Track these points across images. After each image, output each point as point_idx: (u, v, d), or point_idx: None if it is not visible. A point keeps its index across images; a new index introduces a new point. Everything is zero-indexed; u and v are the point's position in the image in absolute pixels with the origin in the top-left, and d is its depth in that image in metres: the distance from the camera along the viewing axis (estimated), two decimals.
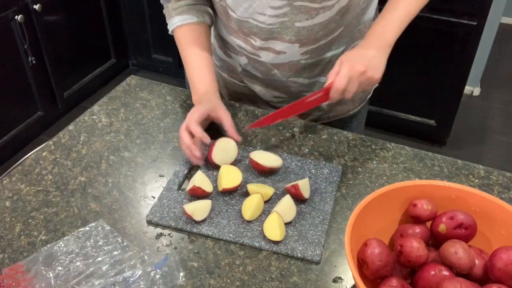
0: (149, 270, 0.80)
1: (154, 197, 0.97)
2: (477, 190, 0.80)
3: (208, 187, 0.94)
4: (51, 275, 0.80)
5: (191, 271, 0.83)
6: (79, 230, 0.89)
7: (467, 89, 3.05)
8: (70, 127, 1.15)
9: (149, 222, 0.92)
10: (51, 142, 1.10)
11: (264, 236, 0.88)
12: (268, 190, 0.95)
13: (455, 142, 2.72)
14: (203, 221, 0.91)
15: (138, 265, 0.82)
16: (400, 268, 0.77)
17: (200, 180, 0.94)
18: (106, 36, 3.00)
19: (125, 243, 0.86)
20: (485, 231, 0.80)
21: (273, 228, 0.87)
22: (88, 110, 1.21)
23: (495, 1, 2.31)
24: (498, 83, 3.22)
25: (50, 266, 0.82)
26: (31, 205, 0.95)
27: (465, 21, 2.24)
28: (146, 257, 0.83)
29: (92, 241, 0.86)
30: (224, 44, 1.21)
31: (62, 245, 0.86)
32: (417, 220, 0.80)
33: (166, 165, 1.05)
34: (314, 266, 0.84)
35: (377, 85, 1.09)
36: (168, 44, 3.01)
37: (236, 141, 1.03)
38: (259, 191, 0.93)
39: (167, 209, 0.93)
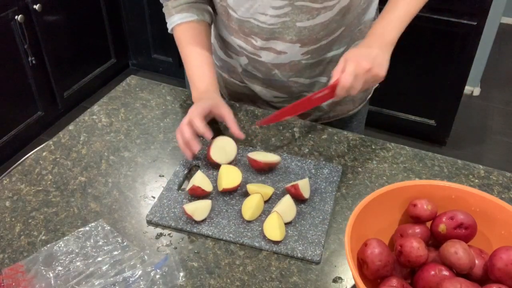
0: (149, 270, 0.80)
1: (154, 197, 0.97)
2: (477, 190, 0.80)
3: (207, 186, 0.94)
4: (51, 275, 0.80)
5: (191, 271, 0.83)
6: (79, 230, 0.89)
7: (467, 89, 3.05)
8: (70, 127, 1.16)
9: (149, 222, 0.92)
10: (51, 142, 1.10)
11: (264, 236, 0.88)
12: (268, 190, 0.95)
13: (455, 142, 2.72)
14: (203, 221, 0.91)
15: (138, 265, 0.82)
16: (400, 268, 0.77)
17: (200, 179, 0.94)
18: (106, 36, 3.00)
19: (125, 243, 0.86)
20: (485, 231, 0.80)
21: (273, 228, 0.87)
22: (88, 110, 1.21)
23: (495, 1, 2.31)
24: (498, 83, 3.22)
25: (50, 266, 0.82)
26: (31, 205, 0.95)
27: (465, 21, 2.24)
28: (146, 257, 0.83)
29: (92, 241, 0.86)
30: (224, 44, 1.21)
31: (62, 245, 0.86)
32: (417, 220, 0.80)
33: (166, 165, 1.05)
34: (314, 266, 0.84)
35: (377, 85, 1.09)
36: (168, 44, 3.02)
37: (239, 139, 1.03)
38: (259, 191, 0.93)
39: (167, 209, 0.93)
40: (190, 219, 0.90)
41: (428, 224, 0.81)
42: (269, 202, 0.95)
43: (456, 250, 0.71)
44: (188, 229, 0.89)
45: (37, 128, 2.64)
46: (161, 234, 0.89)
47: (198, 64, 1.12)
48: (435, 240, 0.80)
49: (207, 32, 1.14)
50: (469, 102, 3.03)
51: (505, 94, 3.13)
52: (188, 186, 0.95)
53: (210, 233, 0.89)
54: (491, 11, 2.25)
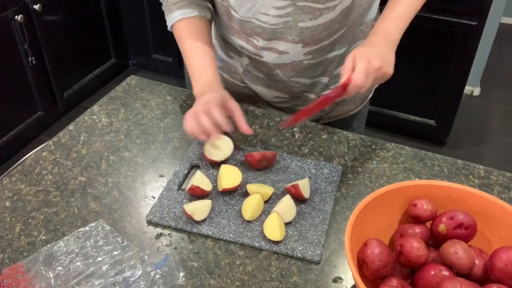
0: (149, 270, 0.80)
1: (154, 197, 0.97)
2: (477, 190, 0.80)
3: (207, 186, 0.94)
4: (51, 275, 0.80)
5: (191, 271, 0.83)
6: (79, 230, 0.89)
7: (467, 89, 3.05)
8: (70, 127, 1.15)
9: (149, 222, 0.91)
10: (51, 142, 1.10)
11: (264, 236, 0.88)
12: (268, 190, 0.95)
13: (455, 142, 2.72)
14: (203, 221, 0.91)
15: (138, 265, 0.82)
16: (400, 268, 0.77)
17: (199, 179, 0.94)
18: (106, 36, 3.00)
19: (125, 243, 0.86)
20: (485, 231, 0.80)
21: (273, 228, 0.87)
22: (88, 110, 1.21)
23: (495, 1, 2.31)
24: (498, 83, 3.22)
25: (50, 266, 0.82)
26: (31, 205, 0.95)
27: (465, 21, 2.24)
28: (146, 257, 0.83)
29: (92, 241, 0.86)
30: (225, 44, 1.21)
31: (62, 245, 0.86)
32: (417, 220, 0.80)
33: (166, 165, 1.05)
34: (314, 266, 0.84)
35: (377, 84, 1.09)
36: (168, 44, 3.02)
37: (247, 134, 1.01)
38: (259, 191, 0.93)
39: (167, 209, 0.93)
40: (190, 219, 0.90)
41: (428, 224, 0.81)
42: (269, 202, 0.95)
43: (456, 250, 0.71)
44: (188, 229, 0.89)
45: (37, 128, 2.64)
46: (161, 234, 0.89)
47: (200, 59, 1.09)
48: (435, 240, 0.80)
49: (208, 29, 1.13)
50: (469, 102, 3.03)
51: (505, 94, 3.13)
52: (187, 186, 0.95)
53: (210, 233, 0.89)
54: (491, 11, 2.25)
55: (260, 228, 0.89)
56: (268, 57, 1.11)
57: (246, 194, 0.95)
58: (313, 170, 1.02)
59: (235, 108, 1.01)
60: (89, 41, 2.88)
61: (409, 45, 2.24)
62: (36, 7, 2.37)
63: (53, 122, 2.75)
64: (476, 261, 0.74)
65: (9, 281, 0.79)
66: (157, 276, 0.80)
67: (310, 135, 1.13)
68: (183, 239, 0.89)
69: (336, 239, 0.89)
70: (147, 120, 1.17)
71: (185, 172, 1.01)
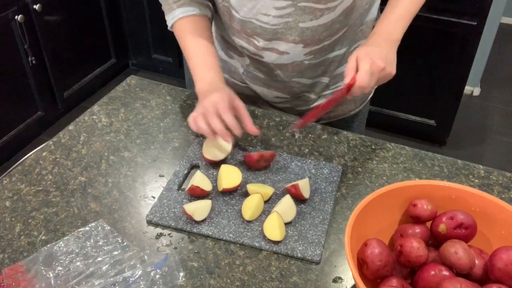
0: (149, 270, 0.80)
1: (154, 197, 0.97)
2: (477, 190, 0.80)
3: (207, 186, 0.94)
4: (51, 275, 0.80)
5: (191, 271, 0.83)
6: (79, 230, 0.89)
7: (467, 89, 3.05)
8: (70, 127, 1.15)
9: (149, 222, 0.92)
10: (51, 142, 1.10)
11: (264, 236, 0.88)
12: (268, 190, 0.95)
13: (455, 142, 2.72)
14: (203, 221, 0.91)
15: (138, 265, 0.82)
16: (400, 268, 0.77)
17: (199, 179, 0.94)
18: (106, 36, 3.00)
19: (125, 243, 0.86)
20: (485, 231, 0.80)
21: (273, 228, 0.87)
22: (88, 110, 1.21)
23: (495, 1, 2.31)
24: (498, 83, 3.22)
25: (50, 266, 0.82)
26: (31, 205, 0.95)
27: (465, 21, 2.24)
28: (146, 257, 0.83)
29: (92, 241, 0.86)
30: (225, 44, 1.21)
31: (62, 245, 0.85)
32: (417, 220, 0.80)
33: (166, 165, 1.05)
34: (314, 266, 0.84)
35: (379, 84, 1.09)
36: (168, 44, 3.02)
37: (254, 134, 1.01)
38: (259, 191, 0.93)
39: (167, 209, 0.93)
40: (190, 219, 0.90)
41: (428, 224, 0.81)
42: (269, 202, 0.95)
43: (456, 250, 0.71)
44: (188, 229, 0.89)
45: (37, 128, 2.64)
46: (161, 234, 0.89)
47: (202, 55, 1.08)
48: (435, 240, 0.80)
49: (209, 27, 1.13)
50: (469, 102, 3.03)
51: (505, 94, 3.13)
52: (187, 186, 0.95)
53: (210, 233, 0.89)
54: (491, 11, 2.25)
55: (260, 228, 0.89)
56: (269, 57, 1.11)
57: (246, 194, 0.95)
58: (313, 170, 1.02)
59: (242, 107, 1.01)
60: (89, 41, 2.88)
61: (409, 45, 2.24)
62: (36, 7, 2.38)
63: (53, 122, 2.75)
64: (476, 261, 0.74)
65: (9, 281, 0.79)
66: (157, 276, 0.80)
67: (310, 135, 1.13)
68: (183, 239, 0.89)
69: (336, 239, 0.89)
70: (147, 120, 1.17)
71: (185, 172, 1.01)
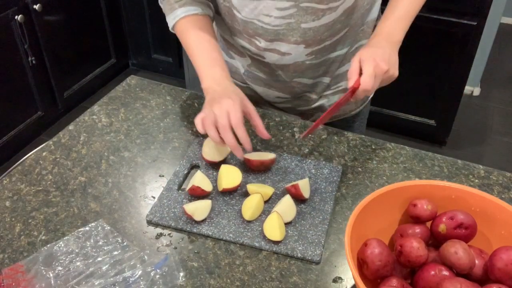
0: (149, 270, 0.80)
1: (154, 197, 0.97)
2: (477, 190, 0.80)
3: (207, 186, 0.94)
4: (51, 275, 0.80)
5: (191, 271, 0.83)
6: (79, 230, 0.89)
7: (467, 89, 3.05)
8: (70, 127, 1.15)
9: (149, 222, 0.91)
10: (51, 142, 1.10)
11: (264, 236, 0.88)
12: (268, 190, 0.95)
13: (455, 142, 2.72)
14: (203, 221, 0.91)
15: (138, 265, 0.82)
16: (400, 268, 0.77)
17: (200, 179, 0.94)
18: (106, 36, 3.00)
19: (125, 243, 0.86)
20: (485, 231, 0.80)
21: (273, 228, 0.87)
22: (88, 110, 1.21)
23: (495, 1, 2.31)
24: (498, 83, 3.22)
25: (50, 266, 0.82)
26: (31, 205, 0.95)
27: (465, 21, 2.24)
28: (146, 257, 0.83)
29: (92, 241, 0.86)
30: (226, 45, 1.20)
31: (62, 245, 0.86)
32: (417, 220, 0.80)
33: (166, 165, 1.05)
34: (314, 266, 0.84)
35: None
36: (168, 44, 3.02)
37: (266, 139, 1.01)
38: (259, 191, 0.93)
39: (167, 209, 0.93)
40: (190, 219, 0.90)
41: (428, 224, 0.81)
42: (269, 202, 0.95)
43: (456, 250, 0.71)
44: (188, 229, 0.89)
45: (37, 128, 2.64)
46: (161, 234, 0.89)
47: (207, 52, 1.06)
48: (435, 240, 0.80)
49: (211, 26, 1.11)
50: (469, 102, 3.03)
51: (505, 94, 3.13)
52: (188, 186, 0.95)
53: (210, 233, 0.89)
54: (491, 11, 2.25)
55: (260, 228, 0.89)
56: (270, 58, 1.11)
57: (246, 194, 0.95)
58: (313, 170, 1.02)
59: (253, 112, 0.99)
60: (89, 41, 2.89)
61: (409, 45, 2.24)
62: (36, 7, 2.38)
63: (53, 122, 2.75)
64: (476, 261, 0.74)
65: (9, 281, 0.79)
66: (157, 276, 0.80)
67: (310, 135, 1.13)
68: (183, 239, 0.89)
69: (336, 239, 0.89)
70: (147, 120, 1.17)
71: (185, 172, 1.01)
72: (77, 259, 0.83)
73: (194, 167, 1.04)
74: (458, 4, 2.23)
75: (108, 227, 0.89)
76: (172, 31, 1.12)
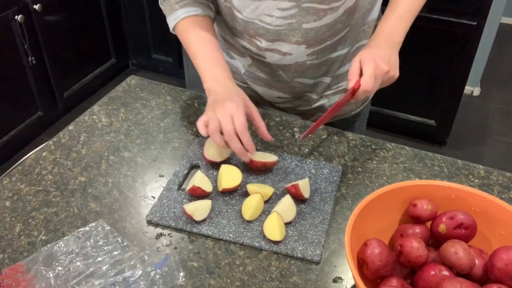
0: (149, 270, 0.80)
1: (154, 197, 0.97)
2: (477, 190, 0.80)
3: (207, 187, 0.94)
4: (51, 275, 0.80)
5: (191, 271, 0.83)
6: (79, 230, 0.89)
7: (467, 89, 3.05)
8: (70, 127, 1.16)
9: (149, 222, 0.91)
10: (51, 142, 1.10)
11: (264, 236, 0.88)
12: (268, 190, 0.95)
13: (455, 142, 2.72)
14: (203, 221, 0.91)
15: (138, 265, 0.82)
16: (400, 268, 0.77)
17: (200, 180, 0.94)
18: (106, 36, 3.00)
19: (125, 243, 0.86)
20: (485, 231, 0.80)
21: (273, 228, 0.87)
22: (88, 110, 1.21)
23: (495, 1, 2.31)
24: (498, 83, 3.22)
25: (50, 266, 0.82)
26: (31, 205, 0.95)
27: (465, 21, 2.24)
28: (146, 257, 0.83)
29: (92, 241, 0.86)
30: (227, 45, 1.20)
31: (62, 245, 0.86)
32: (417, 220, 0.80)
33: (166, 165, 1.05)
34: (314, 266, 0.84)
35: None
36: (168, 44, 3.02)
37: (268, 141, 1.00)
38: (259, 191, 0.93)
39: (167, 209, 0.93)
40: (190, 219, 0.90)
41: (428, 224, 0.81)
42: (269, 202, 0.95)
43: (456, 250, 0.71)
44: (188, 229, 0.89)
45: (37, 128, 2.64)
46: (161, 234, 0.89)
47: (209, 52, 1.05)
48: (435, 240, 0.80)
49: (212, 27, 1.11)
50: (469, 102, 3.03)
51: (505, 94, 3.13)
52: (188, 186, 0.95)
53: (210, 233, 0.89)
54: (491, 11, 2.25)
55: (260, 228, 0.89)
56: (271, 58, 1.11)
57: (246, 194, 0.95)
58: (313, 170, 1.02)
59: (256, 114, 0.99)
60: (89, 41, 2.89)
61: (409, 45, 2.25)
62: (36, 7, 2.38)
63: (53, 122, 2.75)
64: (476, 261, 0.74)
65: (9, 281, 0.79)
66: (157, 276, 0.80)
67: (310, 135, 1.13)
68: (183, 239, 0.89)
69: (336, 239, 0.89)
70: (147, 120, 1.17)
71: (185, 172, 1.01)
72: (77, 259, 0.83)
73: (194, 167, 1.04)
74: (458, 4, 2.23)
75: (108, 227, 0.89)
76: (173, 32, 1.11)
